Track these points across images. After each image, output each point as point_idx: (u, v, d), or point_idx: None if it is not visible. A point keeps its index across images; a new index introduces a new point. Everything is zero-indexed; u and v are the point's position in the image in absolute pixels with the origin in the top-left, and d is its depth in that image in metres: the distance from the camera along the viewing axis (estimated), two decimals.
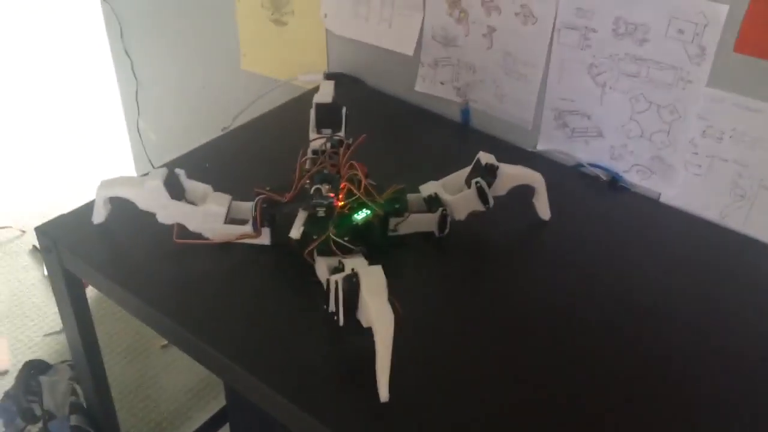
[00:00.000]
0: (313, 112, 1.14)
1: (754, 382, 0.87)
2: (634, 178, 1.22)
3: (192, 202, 1.01)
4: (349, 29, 1.48)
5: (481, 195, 1.03)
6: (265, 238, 1.01)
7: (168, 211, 1.00)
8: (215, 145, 1.30)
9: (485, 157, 1.04)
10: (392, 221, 1.02)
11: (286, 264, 0.99)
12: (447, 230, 1.05)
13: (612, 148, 1.22)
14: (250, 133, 1.35)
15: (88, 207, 1.08)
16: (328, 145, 1.08)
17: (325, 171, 0.99)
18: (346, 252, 0.94)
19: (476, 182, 1.03)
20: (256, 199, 1.00)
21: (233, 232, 1.01)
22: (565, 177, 1.26)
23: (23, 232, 2.37)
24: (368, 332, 0.79)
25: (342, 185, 0.97)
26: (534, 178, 1.08)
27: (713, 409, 0.83)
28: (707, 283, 1.03)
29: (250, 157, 1.27)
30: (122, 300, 0.99)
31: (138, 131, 2.15)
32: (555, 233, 1.10)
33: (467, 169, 1.06)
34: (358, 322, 0.83)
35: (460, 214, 1.05)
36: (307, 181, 0.98)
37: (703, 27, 1.05)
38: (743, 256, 1.10)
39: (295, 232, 0.94)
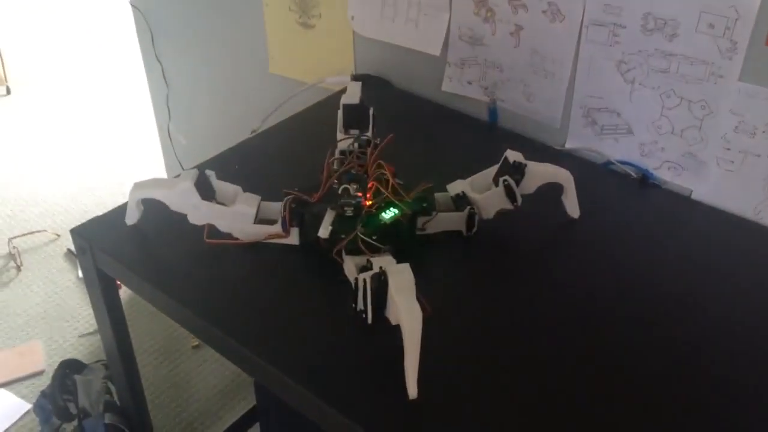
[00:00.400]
0: (340, 113, 1.15)
1: None
2: (665, 175, 1.20)
3: (222, 203, 1.02)
4: (375, 31, 1.48)
5: (509, 193, 1.02)
6: (293, 238, 1.02)
7: (199, 212, 1.01)
8: (244, 148, 1.31)
9: (513, 155, 1.04)
10: (420, 220, 1.03)
11: (314, 263, 1.00)
12: (475, 229, 1.05)
13: (642, 145, 1.21)
14: (278, 135, 1.37)
15: (122, 209, 1.10)
16: (356, 145, 1.09)
17: (353, 171, 1.00)
18: (374, 251, 0.94)
19: (504, 180, 1.02)
20: (285, 199, 1.01)
21: (263, 231, 1.02)
22: (594, 175, 1.25)
23: (58, 236, 2.41)
24: (397, 330, 0.79)
25: (370, 185, 0.98)
26: (563, 176, 1.07)
27: (747, 408, 0.82)
28: (742, 281, 1.01)
29: (278, 158, 1.28)
30: (154, 299, 1.00)
31: (169, 135, 2.18)
32: (585, 231, 1.09)
33: (495, 168, 1.06)
34: (387, 320, 0.83)
35: (488, 213, 1.05)
36: (335, 181, 0.99)
37: (734, 21, 1.03)
38: None
39: (324, 231, 0.94)
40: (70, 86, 3.40)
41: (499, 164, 1.05)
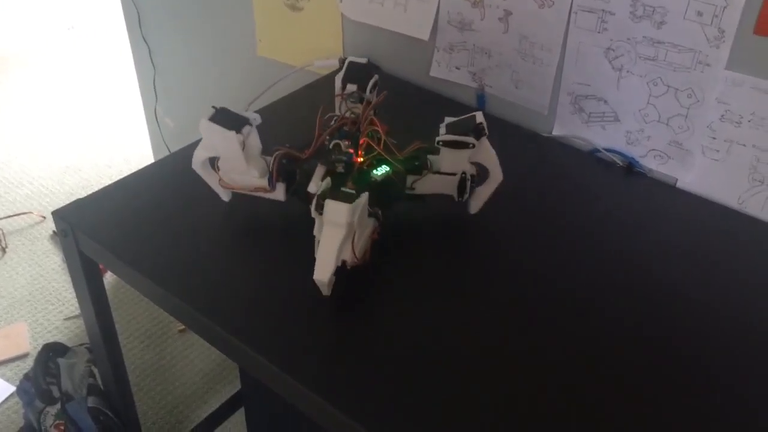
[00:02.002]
0: (344, 69, 1.13)
1: None
2: (650, 163, 1.20)
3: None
4: (364, 14, 1.47)
5: (461, 187, 1.01)
6: (279, 194, 1.01)
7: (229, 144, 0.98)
8: None
9: (481, 118, 1.00)
10: (410, 179, 1.01)
11: (302, 225, 0.97)
12: (467, 195, 1.03)
13: (628, 133, 1.21)
14: (266, 118, 1.34)
15: (105, 191, 1.09)
16: (350, 102, 1.08)
17: (345, 128, 0.99)
18: None
19: (462, 174, 1.01)
20: (275, 154, 0.99)
21: (249, 183, 1.01)
22: (580, 162, 1.25)
23: (44, 217, 2.40)
24: (384, 314, 0.79)
25: (361, 141, 0.97)
26: (495, 171, 1.02)
27: (727, 397, 0.83)
28: (724, 270, 1.01)
29: (265, 141, 1.27)
30: (137, 283, 1.00)
31: (156, 117, 2.16)
32: (569, 218, 1.09)
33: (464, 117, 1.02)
34: (369, 311, 0.83)
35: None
36: (327, 138, 0.98)
37: (722, 9, 1.03)
38: (762, 242, 1.09)
39: (314, 186, 0.94)
40: (58, 68, 3.37)
41: (464, 117, 1.01)
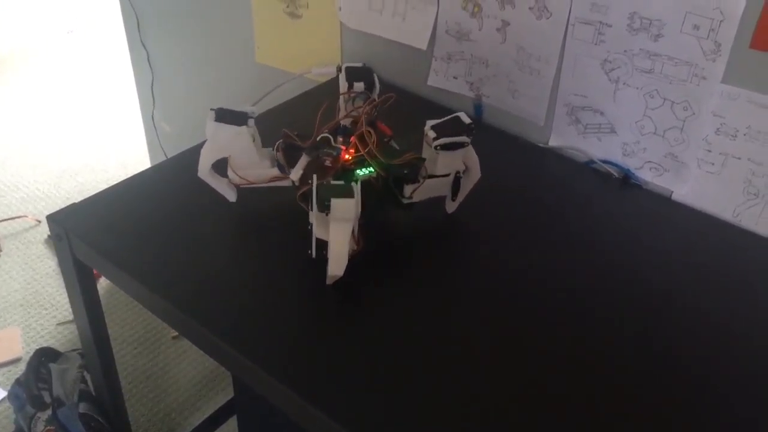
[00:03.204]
0: (343, 72, 1.14)
1: (765, 381, 0.86)
2: (646, 175, 1.21)
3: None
4: (363, 23, 1.48)
5: (455, 186, 1.02)
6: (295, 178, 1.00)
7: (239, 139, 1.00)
8: None
9: (467, 119, 1.01)
10: (408, 188, 1.01)
11: (292, 236, 0.98)
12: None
13: (624, 144, 1.21)
14: (263, 125, 1.35)
15: (100, 196, 1.09)
16: (358, 101, 1.08)
17: (347, 125, 0.99)
18: None
19: (456, 173, 1.02)
20: (277, 143, 1.00)
21: (264, 175, 1.02)
22: (576, 173, 1.25)
23: (39, 222, 2.39)
24: (377, 323, 0.79)
25: (351, 139, 0.97)
26: (475, 169, 1.04)
27: (720, 408, 0.82)
28: (719, 283, 1.01)
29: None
30: (130, 288, 0.99)
31: (153, 122, 2.16)
32: (565, 229, 1.09)
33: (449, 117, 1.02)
34: (366, 313, 0.83)
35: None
36: (326, 132, 0.98)
37: (718, 23, 1.03)
38: (756, 255, 1.09)
39: (295, 174, 0.95)
40: (56, 71, 3.37)
41: (449, 117, 1.01)
